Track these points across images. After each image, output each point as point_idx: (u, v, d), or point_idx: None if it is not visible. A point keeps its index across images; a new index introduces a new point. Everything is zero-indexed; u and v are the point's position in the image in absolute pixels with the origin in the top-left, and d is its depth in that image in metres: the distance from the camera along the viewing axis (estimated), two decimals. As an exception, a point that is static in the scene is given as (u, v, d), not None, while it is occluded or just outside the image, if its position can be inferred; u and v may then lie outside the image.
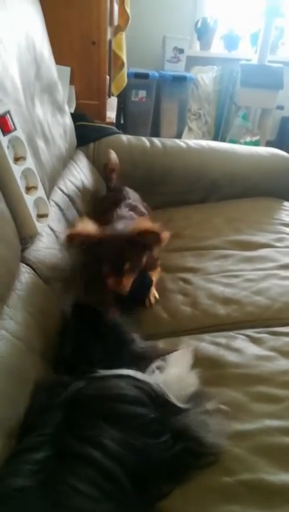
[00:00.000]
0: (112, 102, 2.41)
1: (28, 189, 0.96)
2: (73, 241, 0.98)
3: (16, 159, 0.93)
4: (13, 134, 0.91)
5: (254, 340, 1.01)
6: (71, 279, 1.08)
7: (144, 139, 1.78)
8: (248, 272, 1.27)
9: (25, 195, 0.92)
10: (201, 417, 0.74)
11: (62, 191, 1.29)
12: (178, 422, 0.71)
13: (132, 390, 0.70)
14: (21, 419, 0.69)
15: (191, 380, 0.83)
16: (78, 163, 1.55)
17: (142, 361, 0.84)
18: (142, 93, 3.37)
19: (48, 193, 1.15)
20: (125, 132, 1.90)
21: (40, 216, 1.00)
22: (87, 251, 1.00)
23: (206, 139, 3.44)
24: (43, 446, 0.62)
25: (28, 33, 1.19)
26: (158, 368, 0.82)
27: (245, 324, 1.08)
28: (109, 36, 2.03)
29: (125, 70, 2.65)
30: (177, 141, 1.82)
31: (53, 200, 1.19)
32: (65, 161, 1.42)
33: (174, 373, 0.81)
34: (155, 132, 3.55)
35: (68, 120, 1.51)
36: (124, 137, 1.77)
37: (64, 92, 1.58)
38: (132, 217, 1.19)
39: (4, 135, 0.88)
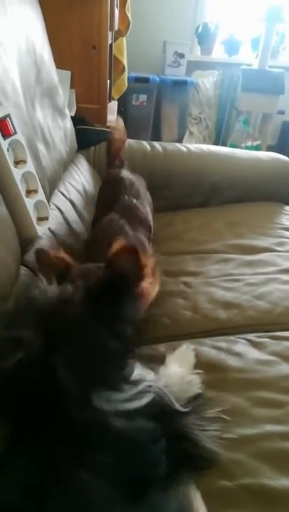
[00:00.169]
0: (113, 106, 2.41)
1: (29, 192, 0.96)
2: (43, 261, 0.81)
3: (16, 163, 0.93)
4: (14, 137, 0.91)
5: (255, 345, 1.00)
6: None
7: (144, 142, 1.78)
8: (249, 276, 1.26)
9: (25, 199, 0.92)
10: (200, 421, 0.73)
11: (63, 194, 1.29)
12: (176, 425, 0.70)
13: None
14: None
15: (193, 381, 0.82)
16: (79, 166, 1.55)
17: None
18: (143, 97, 3.38)
19: (49, 196, 1.15)
20: (126, 136, 1.90)
21: (40, 219, 1.00)
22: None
23: (207, 144, 3.44)
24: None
25: (28, 36, 1.20)
26: (158, 367, 0.81)
27: (246, 328, 1.08)
28: (109, 40, 2.04)
29: (126, 74, 2.66)
30: (178, 145, 1.82)
31: (53, 204, 1.19)
32: (65, 165, 1.42)
33: (175, 374, 0.80)
34: (156, 136, 3.56)
35: (69, 124, 1.51)
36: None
37: (64, 95, 1.58)
38: (122, 229, 1.05)
39: (4, 138, 0.88)
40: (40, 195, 1.00)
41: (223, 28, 3.57)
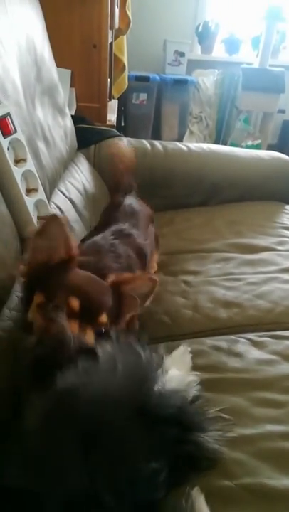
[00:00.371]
0: (113, 105, 2.41)
1: (29, 191, 0.96)
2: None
3: (17, 161, 0.93)
4: (14, 136, 0.91)
5: (256, 344, 1.00)
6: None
7: (145, 141, 1.78)
8: (249, 276, 1.26)
9: (25, 197, 0.92)
10: (200, 421, 0.73)
11: (63, 193, 1.29)
12: (164, 404, 0.69)
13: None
14: None
15: (191, 383, 0.82)
16: (79, 165, 1.55)
17: None
18: (143, 96, 3.38)
19: (49, 195, 1.15)
20: (126, 135, 1.90)
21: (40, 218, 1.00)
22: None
23: (208, 143, 3.44)
24: None
25: (28, 35, 1.19)
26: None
27: (246, 328, 1.08)
28: (110, 39, 2.03)
29: (126, 73, 2.65)
30: (178, 144, 1.82)
31: (53, 202, 1.19)
32: (65, 164, 1.41)
33: (174, 378, 0.80)
34: (156, 135, 3.55)
35: (69, 122, 1.51)
36: (125, 140, 1.76)
37: (64, 94, 1.58)
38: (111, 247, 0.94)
39: (5, 137, 0.87)
40: (41, 194, 1.00)
41: (224, 26, 3.57)
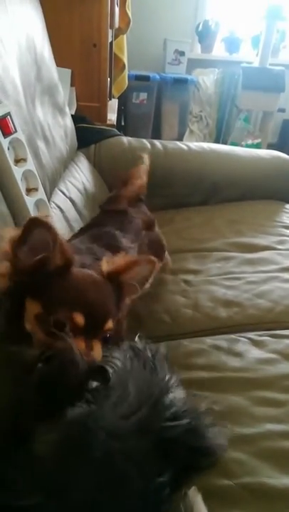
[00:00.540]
0: (113, 104, 2.41)
1: (29, 191, 0.96)
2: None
3: (17, 161, 0.93)
4: (14, 135, 0.91)
5: (256, 344, 1.00)
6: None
7: (145, 141, 1.78)
8: (249, 275, 1.26)
9: (25, 197, 0.92)
10: (200, 421, 0.73)
11: (63, 193, 1.29)
12: (175, 425, 0.69)
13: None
14: None
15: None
16: (79, 164, 1.55)
17: None
18: (143, 95, 3.38)
19: (49, 195, 1.15)
20: (126, 134, 1.90)
21: (40, 218, 1.00)
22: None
23: (208, 142, 3.44)
24: None
25: (28, 34, 1.19)
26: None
27: (246, 327, 1.08)
28: (110, 38, 2.03)
29: (126, 72, 2.65)
30: (178, 143, 1.82)
31: (53, 202, 1.19)
32: (65, 163, 1.41)
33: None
34: (156, 134, 3.55)
35: (69, 122, 1.51)
36: (125, 139, 1.76)
37: (65, 93, 1.58)
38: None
39: (5, 137, 0.87)
40: (41, 194, 1.00)
41: (224, 25, 3.56)
